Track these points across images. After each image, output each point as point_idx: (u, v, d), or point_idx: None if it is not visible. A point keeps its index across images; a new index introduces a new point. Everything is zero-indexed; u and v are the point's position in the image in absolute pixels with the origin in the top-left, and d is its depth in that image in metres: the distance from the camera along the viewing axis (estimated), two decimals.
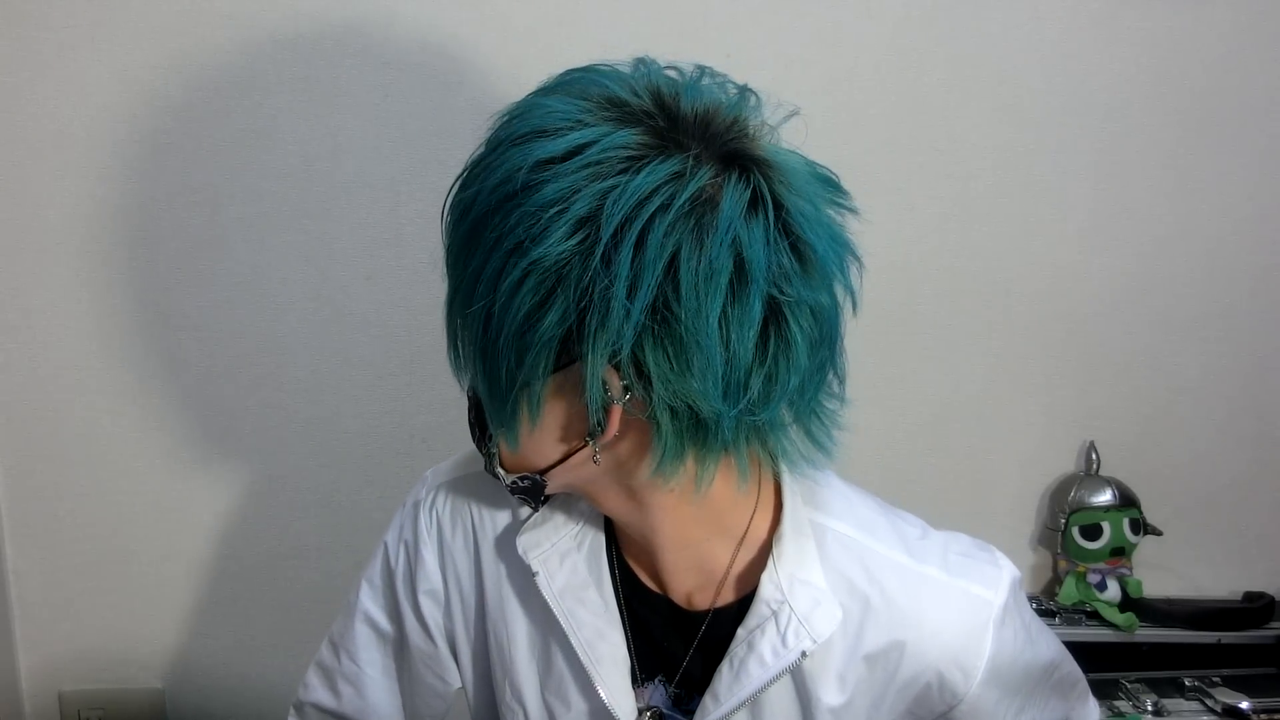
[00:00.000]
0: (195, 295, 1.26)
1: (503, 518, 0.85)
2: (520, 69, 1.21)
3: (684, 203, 0.60)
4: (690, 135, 0.63)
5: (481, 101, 1.22)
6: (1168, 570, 1.39)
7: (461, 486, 0.87)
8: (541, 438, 0.69)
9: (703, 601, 0.79)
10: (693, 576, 0.79)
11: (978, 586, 0.77)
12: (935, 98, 1.25)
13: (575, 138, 0.61)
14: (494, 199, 0.63)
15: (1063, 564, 1.37)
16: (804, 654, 0.74)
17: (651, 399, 0.63)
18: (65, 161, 1.21)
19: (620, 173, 0.61)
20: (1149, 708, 1.23)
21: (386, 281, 1.26)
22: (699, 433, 0.66)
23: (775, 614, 0.75)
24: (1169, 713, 1.23)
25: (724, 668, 0.77)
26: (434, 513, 0.87)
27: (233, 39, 1.19)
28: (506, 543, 0.84)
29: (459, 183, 0.67)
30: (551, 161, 0.61)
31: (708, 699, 0.77)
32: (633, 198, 0.60)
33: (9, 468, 1.30)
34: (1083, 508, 1.33)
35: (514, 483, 0.74)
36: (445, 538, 0.87)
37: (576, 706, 0.81)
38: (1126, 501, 1.34)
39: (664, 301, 0.61)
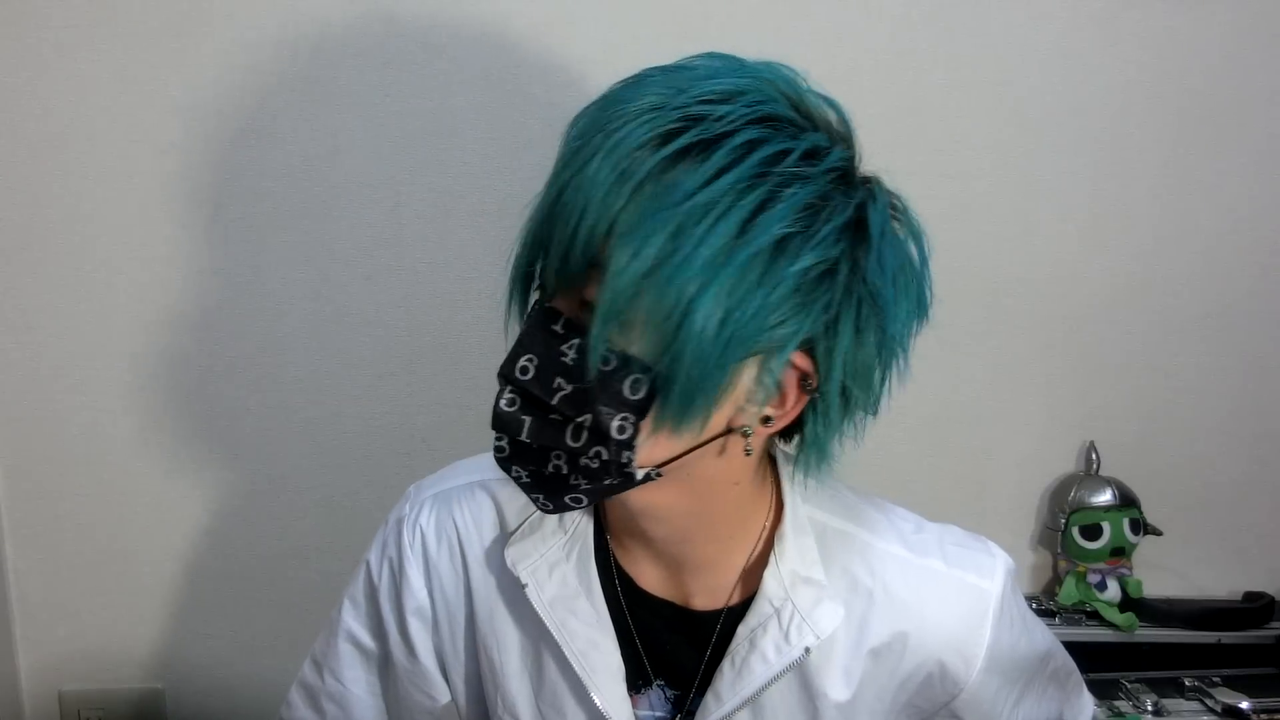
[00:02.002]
0: (195, 295, 1.26)
1: (489, 530, 0.85)
2: (520, 69, 1.21)
3: (911, 220, 0.69)
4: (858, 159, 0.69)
5: (481, 101, 1.22)
6: (1168, 570, 1.39)
7: (446, 500, 0.86)
8: (708, 426, 0.67)
9: (706, 603, 0.79)
10: (709, 576, 0.79)
11: (974, 576, 0.78)
12: (935, 98, 1.25)
13: (814, 140, 0.64)
14: (734, 181, 0.60)
15: (1063, 564, 1.36)
16: (807, 650, 0.74)
17: (832, 388, 0.67)
18: (65, 161, 1.21)
19: (862, 184, 0.67)
20: (1149, 708, 1.23)
21: (386, 281, 1.26)
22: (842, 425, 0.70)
23: (778, 611, 0.75)
24: (1169, 713, 1.23)
25: (725, 667, 0.77)
26: (418, 529, 0.86)
27: (233, 39, 1.19)
28: (495, 555, 0.84)
29: (641, 139, 0.61)
30: (814, 157, 0.63)
31: (709, 698, 0.77)
32: (884, 211, 0.66)
33: (9, 468, 1.30)
34: (1083, 508, 1.33)
35: (646, 476, 0.68)
36: (430, 554, 0.85)
37: (572, 716, 0.81)
38: (1126, 501, 1.34)
39: (888, 308, 0.66)
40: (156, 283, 1.25)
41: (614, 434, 0.65)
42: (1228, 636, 1.34)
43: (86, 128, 1.20)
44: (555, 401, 0.66)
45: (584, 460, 0.66)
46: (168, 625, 1.35)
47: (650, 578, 0.80)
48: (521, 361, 0.67)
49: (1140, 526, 1.35)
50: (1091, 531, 1.33)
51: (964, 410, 1.35)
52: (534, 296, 0.70)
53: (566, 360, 0.65)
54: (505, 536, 0.83)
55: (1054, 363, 1.34)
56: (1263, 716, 1.22)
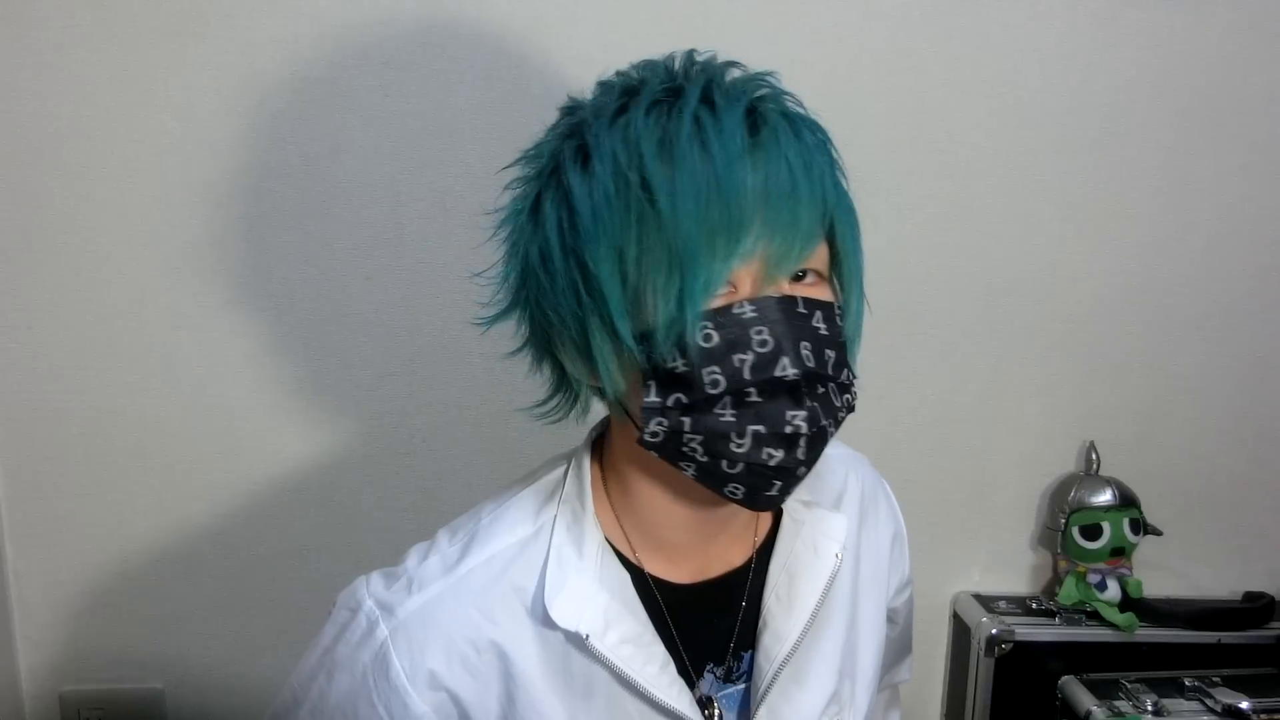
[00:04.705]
0: (195, 295, 1.26)
1: (510, 610, 0.75)
2: (520, 69, 1.21)
3: None
4: None
5: (481, 101, 1.22)
6: (1168, 570, 1.39)
7: (437, 609, 0.74)
8: None
9: (741, 555, 0.81)
10: (728, 539, 0.81)
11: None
12: (935, 98, 1.25)
13: None
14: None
15: (1063, 564, 1.37)
16: (838, 557, 0.80)
17: None
18: (66, 161, 1.21)
19: None
20: (1149, 708, 1.23)
21: (386, 281, 1.26)
22: None
23: (800, 536, 0.81)
24: (1169, 713, 1.23)
25: (771, 604, 0.79)
26: (411, 656, 0.73)
27: (233, 39, 1.19)
28: (529, 629, 0.75)
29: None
30: None
31: (766, 642, 0.79)
32: None
33: (9, 468, 1.30)
34: (1083, 508, 1.33)
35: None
36: (440, 676, 0.74)
37: None
38: (1126, 501, 1.34)
39: None
40: (156, 282, 1.25)
41: (850, 376, 0.70)
42: (1228, 636, 1.34)
43: (86, 128, 1.20)
44: (830, 371, 0.67)
45: (841, 415, 0.69)
46: (168, 625, 1.35)
47: (682, 572, 0.79)
48: (803, 351, 0.64)
49: (1140, 526, 1.35)
50: (1091, 531, 1.33)
51: (964, 410, 1.35)
52: (704, 297, 0.63)
53: (822, 331, 0.66)
54: (528, 607, 0.75)
55: (1054, 363, 1.34)
56: (1263, 716, 1.22)
